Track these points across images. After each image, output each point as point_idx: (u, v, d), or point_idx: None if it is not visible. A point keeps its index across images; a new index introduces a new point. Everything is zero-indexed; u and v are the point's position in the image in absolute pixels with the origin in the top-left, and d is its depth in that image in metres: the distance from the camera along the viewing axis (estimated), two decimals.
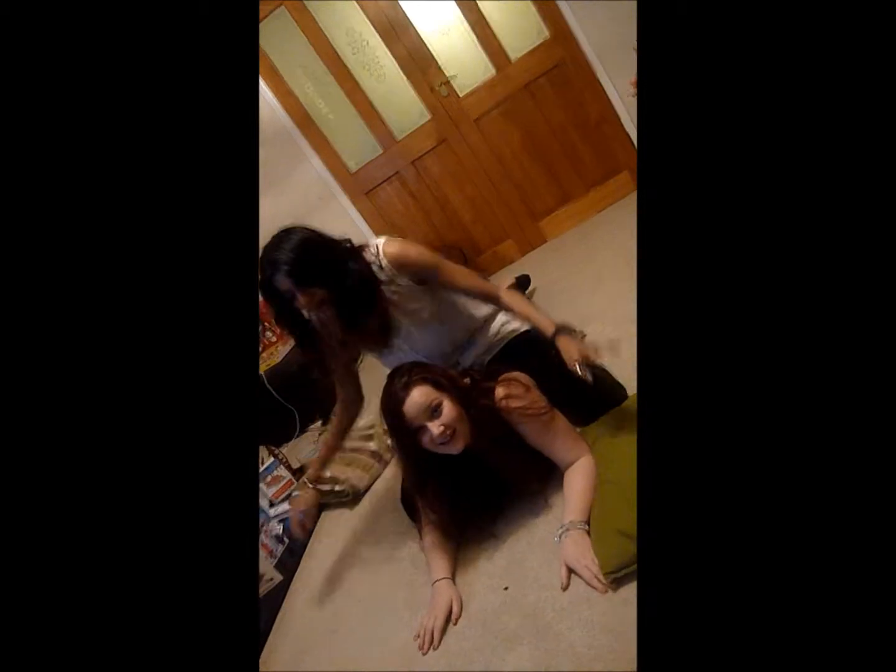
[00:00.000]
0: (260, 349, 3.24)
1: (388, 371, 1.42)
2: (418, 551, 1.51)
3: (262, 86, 3.33)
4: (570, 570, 1.17)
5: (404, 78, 3.31)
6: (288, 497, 2.14)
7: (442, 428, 1.28)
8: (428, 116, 3.37)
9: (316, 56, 3.32)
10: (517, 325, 1.61)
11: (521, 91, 3.26)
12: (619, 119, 3.21)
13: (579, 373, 1.31)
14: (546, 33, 3.13)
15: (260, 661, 1.56)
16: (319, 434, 2.63)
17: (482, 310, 1.61)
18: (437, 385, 1.32)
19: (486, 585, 1.30)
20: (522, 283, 2.70)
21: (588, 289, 2.45)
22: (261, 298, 1.50)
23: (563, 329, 1.40)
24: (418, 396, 1.29)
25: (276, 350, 3.17)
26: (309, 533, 1.95)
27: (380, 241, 1.50)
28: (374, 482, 2.06)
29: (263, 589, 1.79)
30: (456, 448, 1.31)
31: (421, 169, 3.50)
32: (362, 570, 1.66)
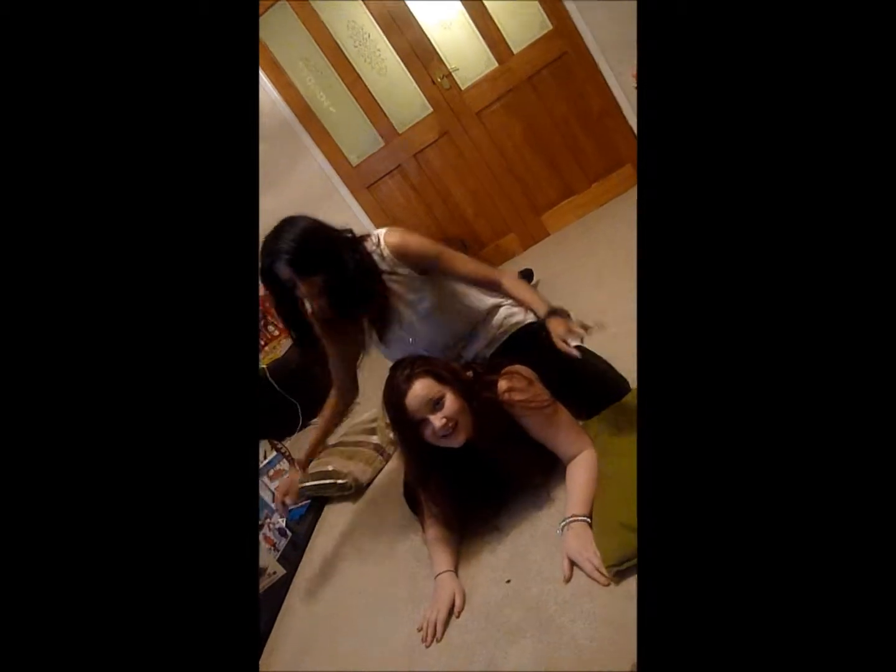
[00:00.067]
0: (262, 343, 3.24)
1: (390, 365, 1.42)
2: (421, 544, 1.51)
3: (263, 78, 3.32)
4: (573, 563, 1.17)
5: (406, 71, 3.30)
6: None
7: (444, 420, 1.28)
8: (430, 109, 3.36)
9: (317, 49, 3.31)
10: (520, 318, 1.61)
11: (524, 84, 3.24)
12: (622, 112, 3.19)
13: (565, 348, 1.29)
14: (548, 25, 3.12)
15: (262, 656, 1.57)
16: None
17: (485, 301, 1.61)
18: (440, 378, 1.32)
19: (489, 578, 1.31)
20: (526, 278, 2.70)
21: (590, 283, 2.45)
22: (263, 292, 1.50)
23: (555, 311, 1.39)
24: (420, 389, 1.29)
25: (278, 344, 3.17)
26: (304, 522, 2.00)
27: (381, 232, 1.51)
28: (376, 476, 2.06)
29: (266, 583, 1.79)
30: (458, 441, 1.31)
31: (423, 162, 3.49)
32: (364, 564, 1.67)
